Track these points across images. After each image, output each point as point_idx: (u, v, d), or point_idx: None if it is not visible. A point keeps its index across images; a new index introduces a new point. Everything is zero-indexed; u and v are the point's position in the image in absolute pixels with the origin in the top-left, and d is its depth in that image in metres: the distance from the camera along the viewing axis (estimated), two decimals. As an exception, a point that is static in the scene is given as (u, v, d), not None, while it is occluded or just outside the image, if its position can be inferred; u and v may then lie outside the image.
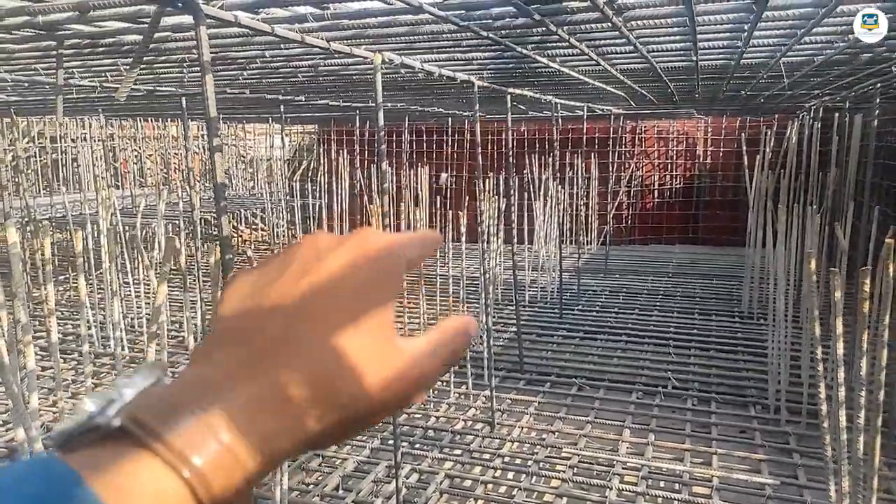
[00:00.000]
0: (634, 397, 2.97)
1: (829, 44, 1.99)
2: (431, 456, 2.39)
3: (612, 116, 6.21)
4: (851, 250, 3.24)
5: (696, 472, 2.29)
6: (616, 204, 6.89)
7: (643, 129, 7.07)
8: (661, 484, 2.27)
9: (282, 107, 3.74)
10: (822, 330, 1.35)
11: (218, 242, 1.11)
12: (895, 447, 2.36)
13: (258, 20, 1.38)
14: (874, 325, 1.58)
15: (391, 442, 2.41)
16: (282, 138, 3.76)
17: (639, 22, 1.55)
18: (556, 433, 2.61)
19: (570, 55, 1.99)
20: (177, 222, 4.96)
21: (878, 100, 2.68)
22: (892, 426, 2.39)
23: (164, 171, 7.05)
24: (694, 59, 2.05)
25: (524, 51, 1.82)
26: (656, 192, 7.15)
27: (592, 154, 6.15)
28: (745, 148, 4.64)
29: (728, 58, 2.16)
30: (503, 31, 1.64)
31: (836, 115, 4.16)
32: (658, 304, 4.56)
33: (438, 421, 2.74)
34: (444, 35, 1.68)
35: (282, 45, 1.86)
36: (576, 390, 3.05)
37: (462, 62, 2.26)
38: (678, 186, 7.12)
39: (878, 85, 2.69)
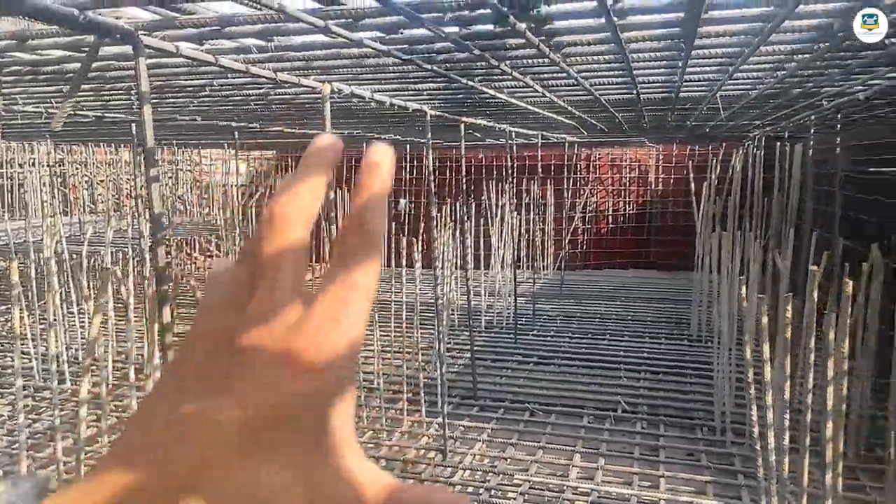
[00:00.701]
0: (586, 421, 3.00)
1: (759, 79, 2.09)
2: (382, 485, 2.37)
3: (567, 144, 6.35)
4: (794, 273, 3.37)
5: (643, 495, 2.32)
6: (571, 229, 7.02)
7: (597, 156, 7.25)
8: (611, 508, 2.30)
9: (236, 133, 3.73)
10: (754, 354, 1.40)
11: (155, 274, 1.10)
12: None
13: (202, 51, 1.39)
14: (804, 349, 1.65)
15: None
16: (236, 164, 3.74)
17: (577, 58, 1.61)
18: (508, 460, 2.61)
19: (516, 87, 2.04)
20: (126, 250, 4.85)
21: (811, 130, 2.82)
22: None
23: (117, 197, 6.91)
24: (634, 92, 2.13)
25: (470, 83, 1.86)
26: (610, 217, 7.31)
27: (548, 181, 6.27)
28: (692, 175, 4.79)
29: (667, 91, 2.25)
30: (447, 65, 1.68)
31: (778, 144, 4.34)
32: (610, 328, 4.63)
33: (390, 450, 2.72)
34: (390, 67, 1.71)
35: (229, 75, 1.87)
36: (528, 416, 3.07)
37: (413, 92, 2.30)
38: (631, 212, 7.29)
39: (812, 117, 2.82)
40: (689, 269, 6.85)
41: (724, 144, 6.88)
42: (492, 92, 2.07)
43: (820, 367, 1.46)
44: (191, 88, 2.16)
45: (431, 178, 2.73)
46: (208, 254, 7.35)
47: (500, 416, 3.06)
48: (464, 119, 3.17)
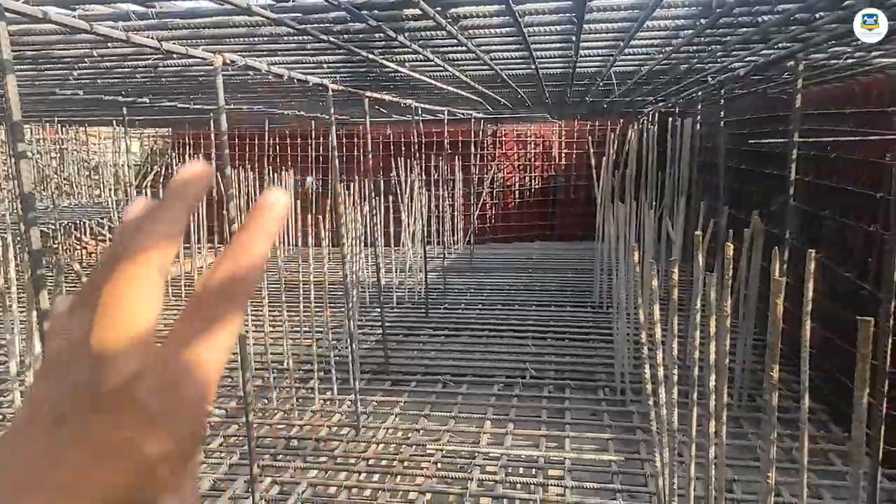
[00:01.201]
0: (496, 389, 3.09)
1: (649, 55, 2.19)
2: (294, 466, 2.35)
3: (473, 120, 6.40)
4: (685, 240, 3.59)
5: (550, 455, 2.42)
6: (479, 204, 7.12)
7: (503, 132, 7.37)
8: (520, 470, 2.38)
9: (124, 109, 3.50)
10: (648, 316, 1.49)
11: (30, 258, 1.03)
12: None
13: (74, 17, 1.29)
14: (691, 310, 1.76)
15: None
16: (126, 142, 3.51)
17: (475, 31, 1.62)
18: (421, 431, 2.65)
19: (418, 60, 2.04)
20: (5, 236, 4.48)
21: (699, 105, 2.99)
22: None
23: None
24: (533, 66, 2.17)
25: (370, 55, 1.84)
26: (517, 192, 7.47)
27: (455, 157, 6.32)
28: (592, 150, 4.96)
29: (565, 66, 2.32)
30: (344, 36, 1.64)
31: (669, 119, 4.57)
32: (518, 298, 4.76)
33: (302, 430, 2.70)
34: (284, 38, 1.65)
35: (109, 44, 1.75)
36: (440, 388, 3.12)
37: (313, 65, 2.24)
38: (536, 187, 7.48)
39: (699, 93, 2.99)
40: (591, 240, 7.14)
41: (621, 120, 7.18)
42: (393, 66, 2.05)
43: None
44: (68, 59, 2.01)
45: (335, 154, 2.68)
46: (100, 238, 6.92)
47: (413, 389, 3.09)
48: (367, 94, 3.13)
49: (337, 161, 2.69)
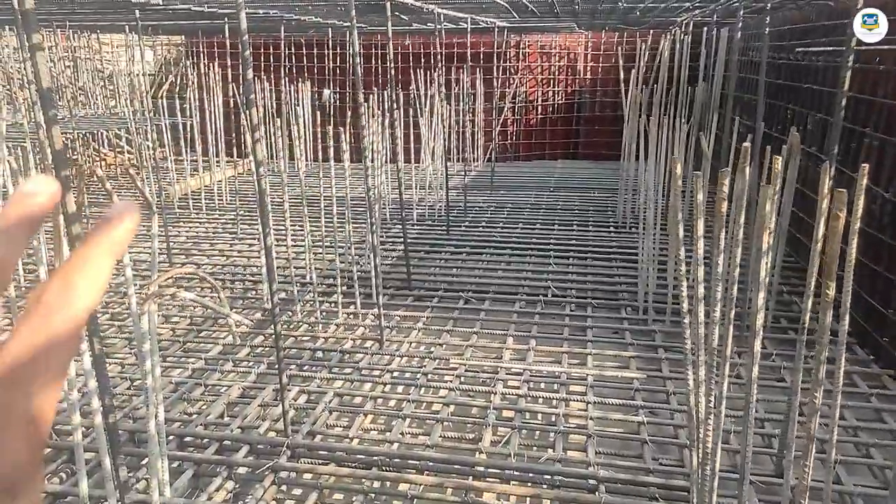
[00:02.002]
0: (517, 307, 3.09)
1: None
2: (320, 376, 2.38)
3: (496, 30, 6.13)
4: (714, 159, 3.46)
5: (572, 371, 2.44)
6: (501, 120, 6.93)
7: (526, 43, 7.07)
8: (542, 385, 2.41)
9: (137, 11, 3.37)
10: (685, 232, 1.43)
11: (53, 159, 0.98)
12: (745, 338, 2.63)
13: None
14: (732, 226, 1.70)
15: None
16: (141, 51, 3.38)
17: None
18: (444, 346, 2.67)
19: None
20: (25, 145, 4.45)
21: (740, 12, 2.80)
22: (744, 318, 2.65)
23: (7, 87, 6.25)
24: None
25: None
26: (539, 108, 7.25)
27: (477, 69, 6.09)
28: (621, 63, 4.75)
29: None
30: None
31: (705, 29, 4.33)
32: (540, 217, 4.71)
33: (327, 342, 2.73)
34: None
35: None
36: (462, 304, 3.13)
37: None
38: (560, 102, 7.25)
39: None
40: (616, 159, 6.98)
41: (651, 32, 6.84)
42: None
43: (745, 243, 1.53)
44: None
45: (358, 63, 2.57)
46: (118, 149, 6.88)
47: (435, 305, 3.10)
48: (390, -3, 2.97)
49: (359, 71, 2.58)
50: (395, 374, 2.45)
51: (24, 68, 4.51)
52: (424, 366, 2.51)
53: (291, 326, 2.88)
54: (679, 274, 1.33)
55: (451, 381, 2.36)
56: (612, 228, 4.42)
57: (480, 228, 4.44)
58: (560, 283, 3.38)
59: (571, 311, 3.04)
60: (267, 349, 2.67)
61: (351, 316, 2.98)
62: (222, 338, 2.73)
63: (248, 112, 1.62)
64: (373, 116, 3.65)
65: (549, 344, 2.70)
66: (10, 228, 0.23)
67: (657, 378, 2.42)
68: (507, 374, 2.44)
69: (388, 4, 2.97)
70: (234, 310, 2.90)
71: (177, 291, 1.38)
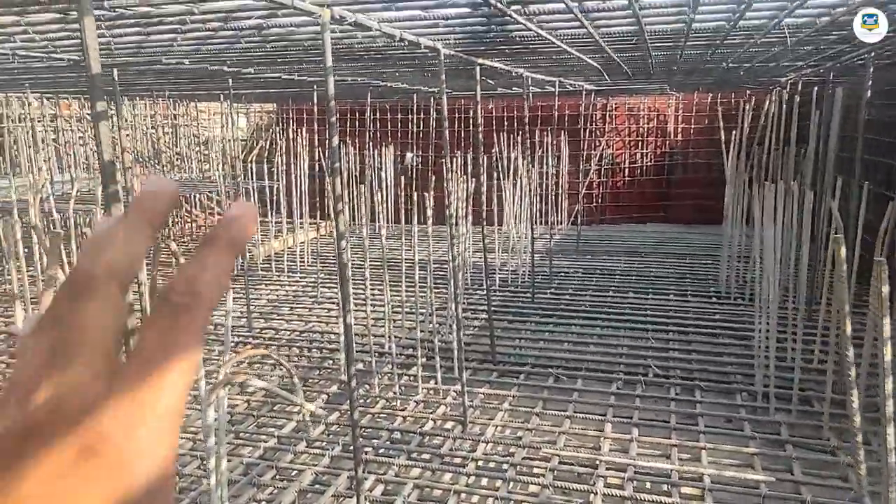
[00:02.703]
0: (615, 387, 2.79)
1: (828, 7, 1.79)
2: (398, 463, 2.17)
3: (584, 92, 6.00)
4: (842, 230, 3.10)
5: (684, 469, 2.11)
6: (587, 183, 6.72)
7: (613, 106, 6.89)
8: (648, 485, 2.10)
9: (230, 80, 3.44)
10: (837, 320, 1.17)
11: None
12: None
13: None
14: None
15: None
16: (230, 115, 3.44)
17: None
18: (534, 431, 2.41)
19: (548, 13, 1.75)
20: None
21: (870, 69, 2.52)
22: None
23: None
24: (688, 18, 1.83)
25: (500, 4, 1.57)
26: (627, 170, 6.99)
27: (562, 132, 5.95)
28: (721, 124, 4.47)
29: (725, 19, 1.95)
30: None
31: (816, 88, 4.02)
32: (632, 285, 4.40)
33: (406, 421, 2.53)
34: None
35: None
36: (552, 381, 2.87)
37: (427, 23, 2.01)
38: (649, 164, 6.97)
39: (872, 53, 2.52)
40: (707, 223, 6.57)
41: (748, 93, 6.52)
42: (522, 21, 1.77)
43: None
44: (169, 20, 1.88)
45: (445, 126, 2.45)
46: (209, 211, 7.11)
47: (522, 382, 2.85)
48: (479, 61, 2.87)
49: (447, 133, 2.46)
50: (480, 463, 2.21)
51: (119, 134, 4.73)
52: (512, 454, 2.25)
53: (368, 401, 2.70)
54: (850, 382, 1.06)
55: (542, 476, 2.09)
56: (713, 299, 4.05)
57: (568, 296, 4.18)
58: (661, 360, 3.06)
59: (677, 394, 2.72)
60: (342, 426, 2.50)
61: (431, 392, 2.78)
62: (296, 413, 2.58)
63: (332, 180, 1.49)
64: (458, 180, 3.53)
65: (655, 433, 2.38)
66: (135, 225, 0.24)
67: (788, 482, 2.06)
68: (607, 468, 2.15)
69: (478, 69, 2.87)
70: (307, 394, 2.76)
71: (247, 378, 1.22)
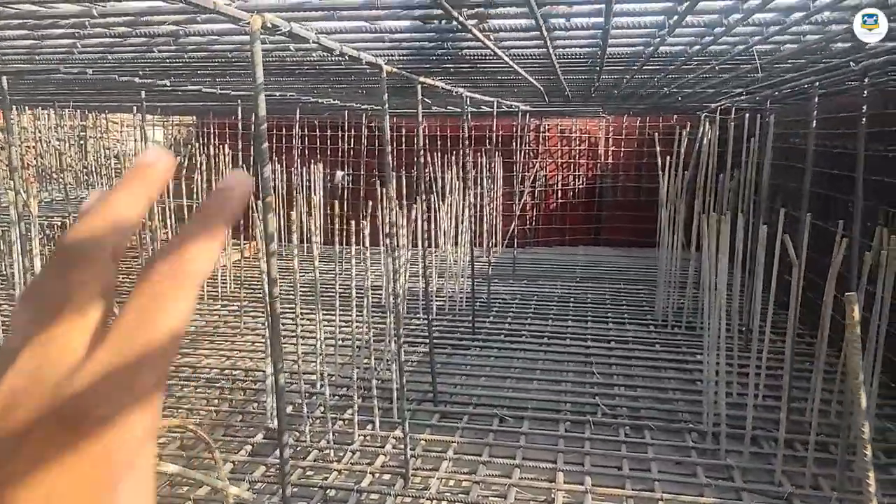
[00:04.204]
0: (562, 429, 2.64)
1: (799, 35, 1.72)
2: (333, 529, 1.92)
3: (520, 114, 5.94)
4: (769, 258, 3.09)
5: (644, 525, 1.97)
6: (521, 205, 6.66)
7: (546, 127, 6.88)
8: (608, 543, 1.94)
9: (142, 93, 3.10)
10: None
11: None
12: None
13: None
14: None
15: (282, 516, 1.93)
16: (142, 131, 3.10)
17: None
18: (481, 483, 2.21)
19: (509, 30, 1.58)
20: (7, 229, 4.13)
21: (815, 99, 2.51)
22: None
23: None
24: (654, 42, 1.71)
25: (460, 18, 1.38)
26: (559, 192, 6.99)
27: (495, 153, 5.86)
28: (658, 148, 4.48)
29: (687, 44, 1.85)
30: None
31: (747, 115, 4.08)
32: (571, 312, 4.31)
33: (341, 475, 2.27)
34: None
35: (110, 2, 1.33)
36: (497, 423, 2.68)
37: (371, 36, 1.80)
38: (581, 187, 6.99)
39: (816, 83, 2.51)
40: (638, 246, 6.65)
41: (675, 117, 6.66)
42: (479, 36, 1.59)
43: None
44: (64, 23, 1.59)
45: (388, 148, 2.25)
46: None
47: (466, 426, 2.66)
48: (421, 79, 2.69)
49: (389, 155, 2.25)
50: (426, 524, 1.99)
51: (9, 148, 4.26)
52: (461, 513, 2.04)
53: (298, 450, 2.44)
54: (864, 463, 0.93)
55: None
56: (651, 327, 4.01)
57: (507, 323, 4.03)
58: (607, 397, 2.94)
59: (627, 435, 2.59)
60: (268, 484, 2.22)
61: (368, 438, 2.54)
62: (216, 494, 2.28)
63: (264, 216, 1.26)
64: (398, 203, 3.33)
65: (608, 482, 2.23)
66: (131, 190, 0.24)
67: (750, 535, 1.95)
68: (563, 525, 1.98)
69: (419, 87, 2.69)
70: (230, 444, 2.46)
71: (156, 465, 0.96)
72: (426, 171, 5.07)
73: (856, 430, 0.95)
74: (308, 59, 2.26)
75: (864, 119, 2.08)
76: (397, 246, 2.47)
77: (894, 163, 3.09)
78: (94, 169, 6.38)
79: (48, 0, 1.46)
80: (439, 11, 1.38)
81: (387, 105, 2.15)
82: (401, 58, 2.17)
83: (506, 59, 2.07)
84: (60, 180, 5.27)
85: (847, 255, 2.25)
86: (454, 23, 1.56)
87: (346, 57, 1.87)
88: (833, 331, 2.38)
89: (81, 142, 6.35)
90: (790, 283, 3.51)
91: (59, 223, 5.30)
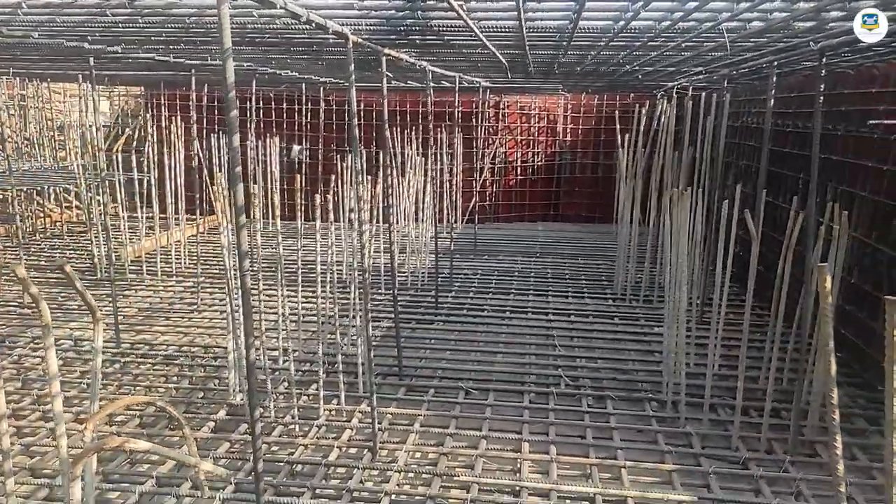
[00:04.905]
0: (527, 400, 2.68)
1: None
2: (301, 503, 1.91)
3: (481, 90, 5.91)
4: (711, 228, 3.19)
5: (608, 494, 2.02)
6: (481, 181, 6.66)
7: (506, 104, 6.88)
8: (574, 510, 1.99)
9: (91, 60, 2.96)
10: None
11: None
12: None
13: None
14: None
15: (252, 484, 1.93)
16: (94, 101, 2.94)
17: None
18: (449, 455, 2.23)
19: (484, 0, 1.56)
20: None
21: (773, 78, 2.57)
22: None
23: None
24: (625, 17, 1.72)
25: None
26: (519, 168, 7.02)
27: (455, 129, 5.83)
28: (618, 126, 4.53)
29: (657, 19, 1.86)
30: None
31: (704, 94, 4.15)
32: (532, 286, 4.36)
33: (308, 450, 2.26)
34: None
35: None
36: (463, 396, 2.71)
37: (339, 3, 1.75)
38: (540, 164, 7.04)
39: (775, 62, 2.56)
40: (595, 221, 6.76)
41: (631, 95, 6.74)
42: (456, 7, 1.56)
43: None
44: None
45: (354, 122, 2.20)
46: (66, 205, 6.32)
47: (432, 399, 2.67)
48: (386, 51, 2.64)
49: (356, 129, 2.21)
50: (394, 497, 2.00)
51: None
52: (429, 484, 2.06)
53: (263, 427, 2.41)
54: (832, 425, 0.97)
55: (465, 508, 1.92)
56: (610, 301, 4.09)
57: (470, 298, 4.06)
58: (569, 369, 3.00)
59: (589, 405, 2.65)
60: (233, 460, 2.19)
61: (334, 413, 2.53)
62: (189, 468, 2.23)
63: (231, 186, 1.22)
64: (359, 176, 3.28)
65: (573, 451, 2.29)
66: None
67: (708, 499, 2.02)
68: (529, 494, 2.02)
69: (384, 60, 2.64)
70: (191, 421, 2.41)
71: (125, 441, 0.94)
72: (386, 146, 5.00)
73: (827, 396, 0.99)
74: (270, 26, 2.19)
75: (822, 98, 2.14)
76: (363, 221, 2.44)
77: (843, 141, 3.20)
78: (35, 140, 6.08)
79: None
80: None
81: (353, 77, 2.11)
82: (368, 27, 2.12)
83: (476, 30, 2.05)
84: (1, 152, 5.02)
85: (802, 229, 2.32)
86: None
87: (312, 25, 1.82)
88: (785, 303, 2.47)
89: (22, 112, 6.04)
90: (743, 257, 3.63)
91: (1, 196, 5.06)
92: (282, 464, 2.15)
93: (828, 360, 0.98)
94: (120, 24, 2.25)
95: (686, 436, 2.41)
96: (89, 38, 2.66)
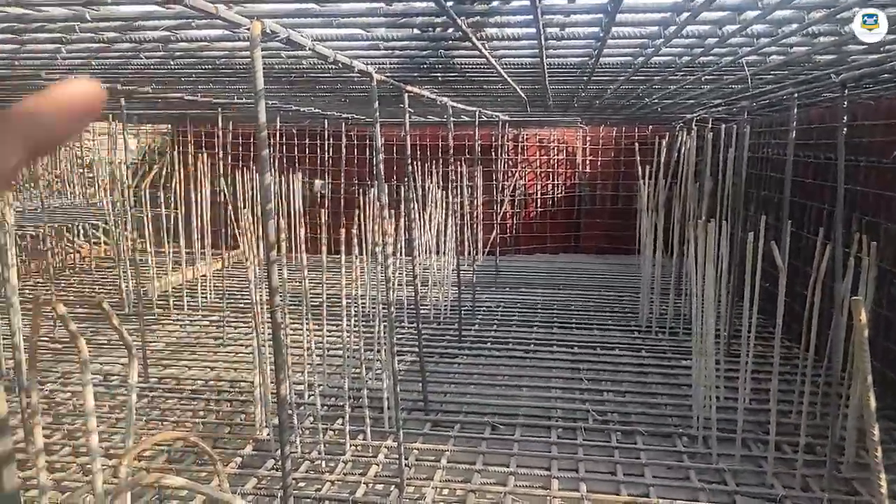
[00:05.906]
0: (555, 436, 2.64)
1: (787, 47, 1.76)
2: (330, 542, 1.89)
3: (500, 123, 5.97)
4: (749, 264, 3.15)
5: (641, 530, 1.98)
6: (501, 213, 6.69)
7: (525, 137, 6.93)
8: (605, 549, 1.94)
9: (122, 100, 3.05)
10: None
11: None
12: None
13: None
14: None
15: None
16: (122, 138, 3.04)
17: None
18: (477, 492, 2.20)
19: (507, 38, 1.59)
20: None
21: (794, 110, 2.57)
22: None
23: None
24: (646, 53, 1.73)
25: (463, 26, 1.38)
26: (539, 200, 7.04)
27: (476, 162, 5.88)
28: (638, 158, 4.54)
29: (677, 54, 1.88)
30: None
31: (724, 126, 4.16)
32: (556, 319, 4.33)
33: (334, 486, 2.24)
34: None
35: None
36: (489, 431, 2.68)
37: (365, 44, 1.80)
38: (559, 195, 7.05)
39: (795, 94, 2.56)
40: (616, 253, 6.72)
41: (649, 128, 6.76)
42: (478, 45, 1.60)
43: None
44: (52, 28, 1.56)
45: (380, 157, 2.24)
46: (94, 241, 6.45)
47: (458, 435, 2.64)
48: (408, 87, 2.69)
49: (381, 164, 2.24)
50: (423, 535, 1.97)
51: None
52: (457, 522, 2.03)
53: (290, 463, 2.39)
54: (875, 463, 0.94)
55: None
56: (635, 333, 4.04)
57: (493, 331, 4.04)
58: (596, 403, 2.95)
59: (618, 441, 2.60)
60: (261, 496, 2.18)
61: (360, 448, 2.51)
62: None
63: (264, 222, 1.24)
64: (386, 211, 3.31)
65: (603, 488, 2.24)
66: (43, 113, 0.26)
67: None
68: (560, 532, 1.97)
69: (406, 96, 2.69)
70: (219, 456, 2.41)
71: (161, 478, 0.95)
72: (405, 180, 5.06)
73: (868, 433, 0.97)
74: (297, 66, 2.25)
75: (844, 129, 2.13)
76: (388, 254, 2.46)
77: (864, 172, 3.17)
78: (66, 178, 6.24)
79: (37, 3, 1.43)
80: (441, 19, 1.38)
81: (377, 113, 2.15)
82: (391, 66, 2.17)
83: (497, 67, 2.08)
84: (34, 189, 5.15)
85: (830, 261, 2.29)
86: (450, 30, 1.57)
87: (339, 65, 1.87)
88: (815, 334, 2.42)
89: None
90: (767, 288, 3.58)
91: (34, 233, 5.18)
92: (309, 500, 2.13)
93: (867, 395, 0.96)
94: (152, 66, 2.32)
95: (719, 472, 2.36)
96: (121, 80, 2.75)
